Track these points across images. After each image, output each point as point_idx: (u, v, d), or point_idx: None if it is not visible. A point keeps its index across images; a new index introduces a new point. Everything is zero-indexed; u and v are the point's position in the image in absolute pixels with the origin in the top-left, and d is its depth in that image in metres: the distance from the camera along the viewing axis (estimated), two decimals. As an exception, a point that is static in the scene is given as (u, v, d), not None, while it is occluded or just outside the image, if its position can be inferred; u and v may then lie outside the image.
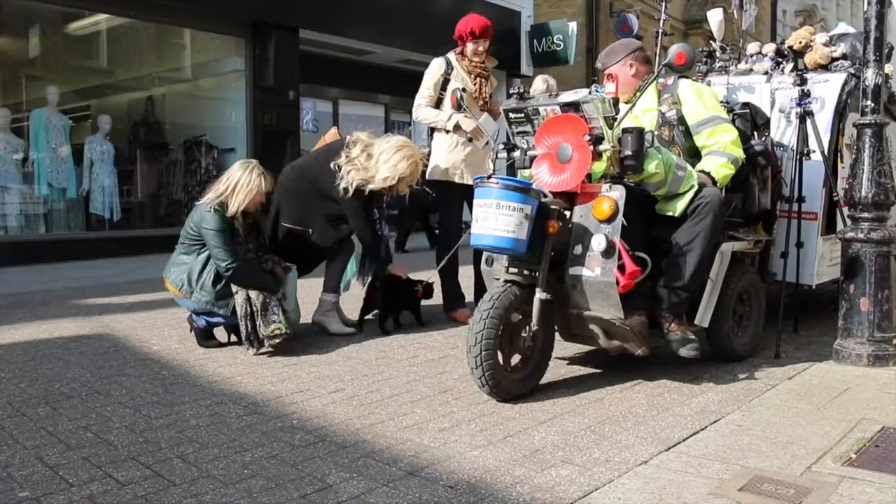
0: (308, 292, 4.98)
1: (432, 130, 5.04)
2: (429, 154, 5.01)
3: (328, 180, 4.46)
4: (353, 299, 4.99)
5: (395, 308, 4.83)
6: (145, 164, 10.24)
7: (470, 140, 4.84)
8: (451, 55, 4.98)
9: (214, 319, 4.19)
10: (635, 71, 3.90)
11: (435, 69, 4.95)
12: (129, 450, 2.69)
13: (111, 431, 2.89)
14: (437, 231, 5.64)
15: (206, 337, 4.28)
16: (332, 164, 4.45)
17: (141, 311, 5.33)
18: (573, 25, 14.30)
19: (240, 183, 4.12)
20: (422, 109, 4.96)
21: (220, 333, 4.33)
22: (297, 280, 4.42)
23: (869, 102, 3.86)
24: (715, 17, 5.17)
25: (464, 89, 4.71)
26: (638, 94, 3.61)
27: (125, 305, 5.60)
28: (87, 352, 4.17)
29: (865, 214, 3.84)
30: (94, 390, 3.43)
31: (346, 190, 4.41)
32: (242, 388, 3.47)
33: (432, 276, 4.91)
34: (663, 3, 5.79)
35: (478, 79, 4.92)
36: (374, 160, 4.43)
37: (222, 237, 4.03)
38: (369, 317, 4.84)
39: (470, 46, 4.91)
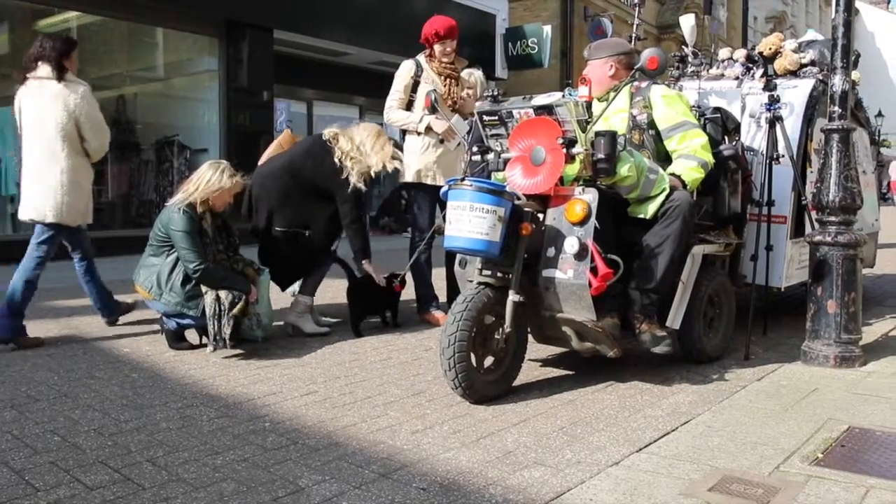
0: (280, 294, 4.96)
1: (403, 132, 5.03)
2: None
3: (327, 177, 4.50)
4: (325, 298, 4.97)
5: (374, 309, 4.82)
6: (116, 164, 10.10)
7: (441, 141, 4.85)
8: (421, 57, 4.98)
9: (185, 321, 4.16)
10: (614, 72, 3.93)
11: (405, 71, 4.95)
12: (98, 453, 2.66)
13: (79, 435, 2.85)
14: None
15: (176, 339, 4.24)
16: (334, 160, 4.48)
17: (111, 313, 5.25)
18: (548, 29, 14.39)
19: (209, 182, 4.11)
20: (393, 112, 4.95)
21: (192, 335, 4.29)
22: (269, 282, 4.39)
23: (836, 108, 3.92)
24: (687, 22, 5.23)
25: (435, 90, 4.72)
26: (612, 95, 3.64)
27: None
28: (55, 354, 4.11)
29: (833, 218, 3.90)
30: (62, 393, 3.38)
31: (354, 183, 4.47)
32: (214, 391, 3.44)
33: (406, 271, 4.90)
34: (636, 8, 5.83)
35: (448, 80, 4.93)
36: (366, 150, 4.53)
37: (190, 238, 4.01)
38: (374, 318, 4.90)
39: (437, 48, 4.92)
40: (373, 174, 4.59)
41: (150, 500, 2.29)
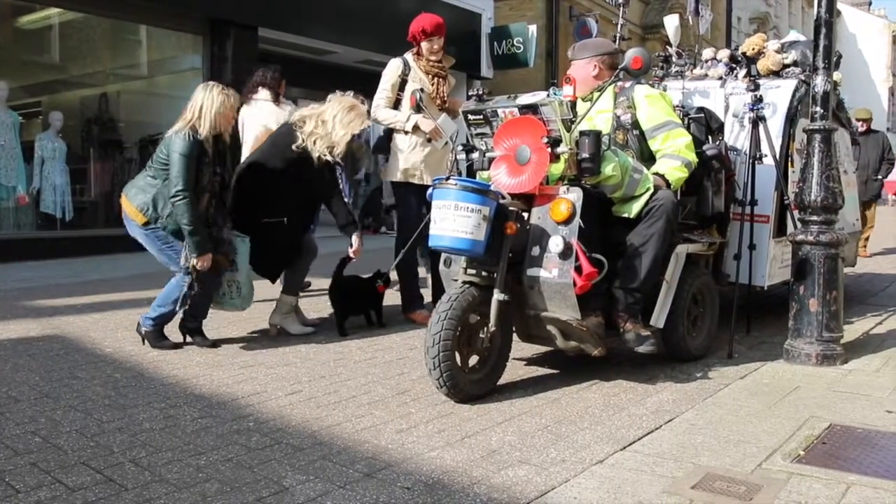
0: (266, 292, 4.94)
1: (391, 131, 5.02)
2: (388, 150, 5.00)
3: (295, 163, 4.42)
4: (309, 297, 4.95)
5: (359, 309, 4.81)
6: (99, 162, 10.01)
7: (429, 140, 4.85)
8: (409, 56, 4.97)
9: (157, 313, 4.12)
10: (598, 73, 3.94)
11: (392, 70, 4.94)
12: (80, 454, 2.64)
13: (61, 436, 2.82)
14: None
15: (158, 338, 4.19)
16: (293, 147, 4.40)
17: (93, 313, 5.22)
18: (533, 29, 14.40)
19: (204, 105, 4.08)
20: (380, 111, 4.94)
21: (175, 336, 4.26)
22: (248, 250, 4.34)
23: (818, 108, 3.95)
24: (671, 22, 5.25)
25: (422, 90, 4.71)
26: (596, 95, 3.65)
27: (77, 307, 5.48)
28: (36, 354, 4.07)
29: (815, 218, 3.93)
30: (44, 394, 3.35)
31: (320, 159, 4.40)
32: (198, 391, 3.42)
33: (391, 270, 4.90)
34: (621, 8, 5.86)
35: (435, 79, 4.92)
36: (329, 124, 4.44)
37: (186, 163, 3.95)
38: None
39: (424, 45, 4.91)
40: (340, 150, 4.47)
41: (132, 500, 2.27)
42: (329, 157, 4.41)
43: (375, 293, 4.78)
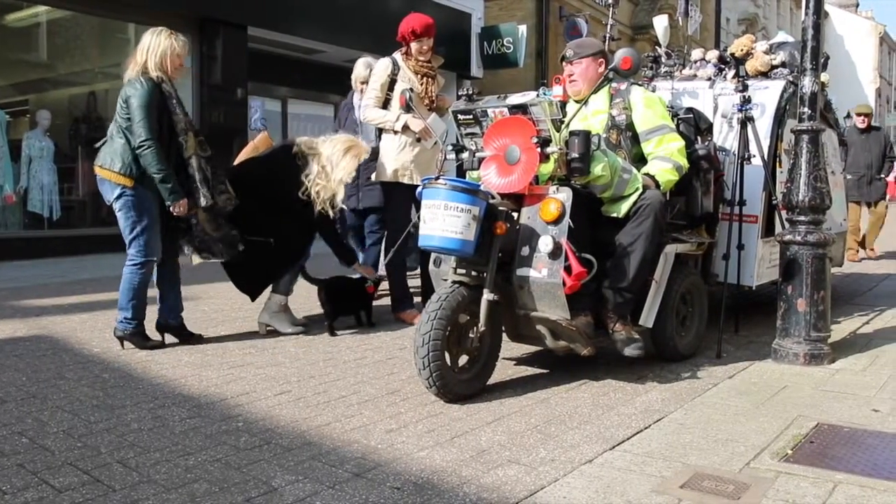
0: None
1: (380, 131, 5.01)
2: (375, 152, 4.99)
3: (294, 200, 4.39)
4: (299, 297, 4.94)
5: (349, 310, 4.80)
6: (87, 161, 9.89)
7: (418, 140, 4.84)
8: (398, 55, 4.96)
9: (131, 310, 4.06)
10: (603, 69, 3.93)
11: (381, 70, 4.93)
12: (67, 455, 2.62)
13: (48, 436, 2.80)
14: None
15: (143, 339, 4.14)
16: (300, 193, 4.38)
17: (81, 313, 5.19)
18: (523, 29, 14.43)
19: (151, 47, 4.02)
20: (370, 110, 4.93)
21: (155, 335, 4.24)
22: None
23: (806, 109, 3.97)
24: (661, 23, 5.27)
25: (411, 89, 4.70)
26: (591, 95, 3.65)
27: (64, 307, 5.45)
28: (23, 354, 4.04)
29: (802, 218, 3.95)
30: (31, 394, 3.33)
31: (322, 211, 4.42)
32: (186, 391, 3.41)
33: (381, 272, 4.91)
34: (611, 9, 5.88)
35: (425, 78, 4.92)
36: (329, 170, 4.41)
37: (146, 111, 3.91)
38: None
39: (414, 46, 4.90)
40: (341, 195, 4.45)
41: (120, 501, 2.26)
42: (331, 212, 4.45)
43: (365, 293, 4.78)
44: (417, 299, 5.15)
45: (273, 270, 4.57)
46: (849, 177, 8.71)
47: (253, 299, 4.65)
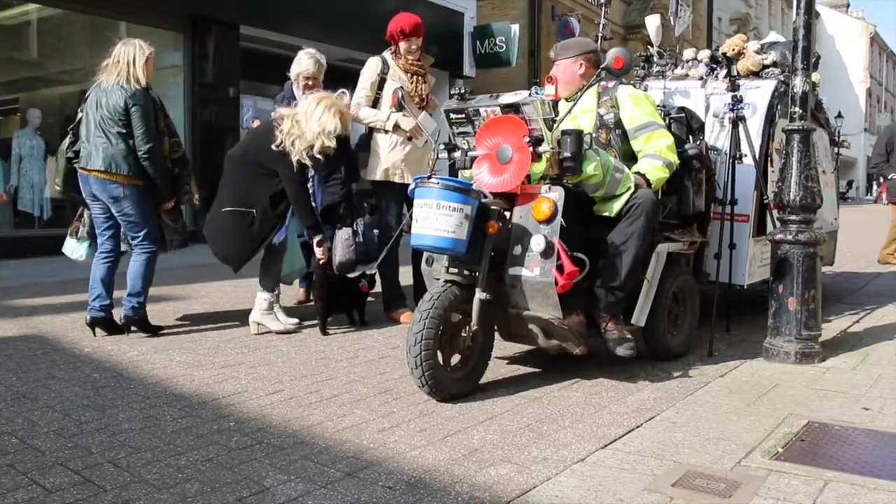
0: (246, 291, 4.91)
1: (371, 130, 5.00)
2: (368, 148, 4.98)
3: (271, 158, 4.42)
4: (290, 296, 4.93)
5: (342, 308, 4.79)
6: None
7: (409, 139, 4.84)
8: (387, 54, 4.95)
9: (140, 296, 4.39)
10: (584, 71, 3.95)
11: (371, 69, 4.92)
12: (58, 455, 2.61)
13: (38, 437, 2.79)
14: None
15: (147, 323, 4.43)
16: (273, 146, 4.39)
17: (72, 312, 5.16)
18: (515, 28, 14.45)
19: (136, 58, 4.30)
20: (360, 109, 4.92)
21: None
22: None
23: (797, 109, 3.99)
24: (653, 22, 5.28)
25: (401, 88, 4.70)
26: (579, 94, 3.66)
27: (55, 306, 5.42)
28: (13, 354, 4.02)
29: (793, 217, 3.97)
30: (21, 394, 3.31)
31: (299, 162, 4.39)
32: (178, 391, 3.40)
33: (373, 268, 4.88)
34: (603, 8, 5.88)
35: (414, 77, 4.91)
36: (303, 122, 4.42)
37: (147, 120, 4.28)
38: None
39: (402, 46, 4.89)
40: (318, 145, 4.39)
41: (111, 501, 2.25)
42: (308, 161, 4.39)
43: (359, 292, 4.77)
44: (410, 299, 5.14)
45: (256, 242, 4.53)
46: (892, 176, 8.70)
47: (235, 270, 4.62)
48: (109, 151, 4.24)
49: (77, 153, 4.43)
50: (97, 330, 4.41)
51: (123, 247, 4.57)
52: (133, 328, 4.41)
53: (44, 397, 3.27)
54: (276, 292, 4.69)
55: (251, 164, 4.50)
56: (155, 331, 4.46)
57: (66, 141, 4.55)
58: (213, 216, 4.59)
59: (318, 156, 4.41)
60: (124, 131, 4.24)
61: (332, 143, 4.43)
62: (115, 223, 4.43)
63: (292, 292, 5.61)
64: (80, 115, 4.46)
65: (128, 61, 4.28)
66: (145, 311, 4.45)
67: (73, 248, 4.69)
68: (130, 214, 4.35)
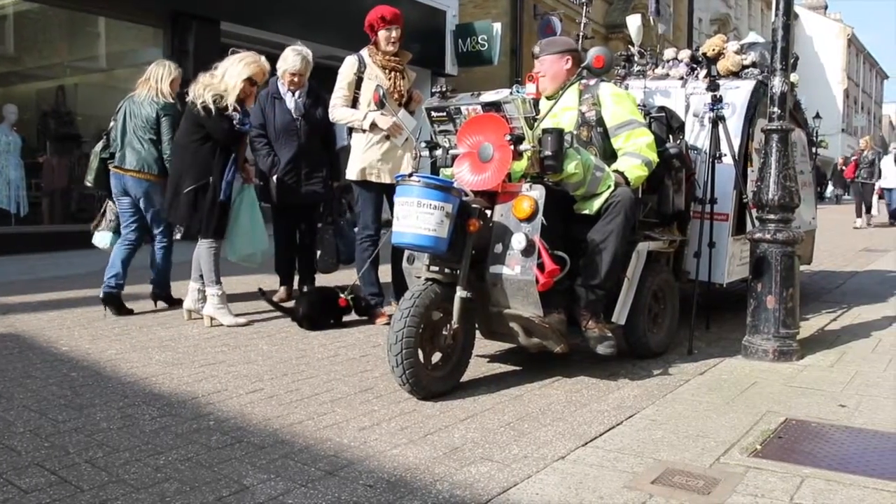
0: (227, 288, 4.88)
1: (350, 130, 4.97)
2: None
3: (199, 119, 4.64)
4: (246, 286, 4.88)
5: (323, 325, 4.71)
6: (56, 156, 9.77)
7: (387, 138, 4.78)
8: (364, 52, 4.90)
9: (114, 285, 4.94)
10: (570, 67, 3.95)
11: (347, 68, 4.87)
12: (34, 455, 2.58)
13: (14, 436, 2.75)
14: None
15: (118, 307, 4.93)
16: (195, 109, 4.62)
17: (49, 311, 5.11)
18: (497, 26, 14.45)
19: (162, 76, 5.13)
20: (337, 110, 4.88)
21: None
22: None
23: (776, 109, 4.02)
24: (634, 22, 5.30)
25: (380, 86, 4.67)
26: (561, 91, 3.66)
27: (32, 304, 5.36)
28: (-11, 353, 3.97)
29: (772, 216, 4.00)
30: (-4, 393, 3.27)
31: (206, 108, 4.58)
32: (157, 389, 3.37)
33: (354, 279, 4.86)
34: (584, 7, 5.91)
35: (392, 73, 4.86)
36: (219, 76, 4.70)
37: (175, 128, 4.94)
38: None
39: (382, 34, 4.83)
40: (231, 98, 4.61)
41: (88, 502, 2.23)
42: (212, 106, 4.56)
43: (339, 308, 4.71)
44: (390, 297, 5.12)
45: (222, 206, 4.71)
46: None
47: (219, 239, 4.81)
48: (142, 155, 5.01)
49: (112, 155, 5.13)
50: (107, 309, 4.94)
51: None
52: (159, 302, 5.20)
53: (20, 396, 3.23)
54: (220, 284, 4.79)
55: (190, 137, 4.71)
56: (178, 303, 5.11)
57: (100, 144, 5.26)
58: (176, 202, 4.72)
59: (237, 105, 4.63)
60: (154, 138, 5.01)
61: (246, 89, 4.69)
62: (140, 217, 5.09)
63: (272, 288, 5.58)
64: (111, 123, 5.21)
65: (157, 79, 5.10)
66: (170, 287, 5.24)
67: (101, 238, 5.31)
68: (152, 205, 5.02)
